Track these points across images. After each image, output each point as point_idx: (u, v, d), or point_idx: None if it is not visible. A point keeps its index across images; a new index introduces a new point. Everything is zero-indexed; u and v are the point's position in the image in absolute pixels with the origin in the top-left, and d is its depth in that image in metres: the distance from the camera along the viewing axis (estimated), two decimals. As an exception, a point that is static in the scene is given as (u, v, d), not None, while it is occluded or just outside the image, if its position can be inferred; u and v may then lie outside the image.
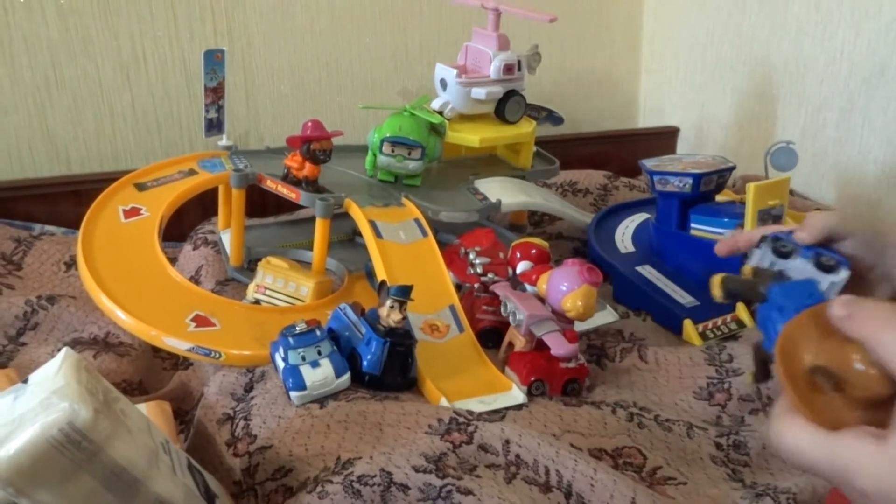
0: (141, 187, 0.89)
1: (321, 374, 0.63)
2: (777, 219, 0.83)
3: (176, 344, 0.70)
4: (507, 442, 0.57)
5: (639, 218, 1.04)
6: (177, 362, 0.83)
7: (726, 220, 0.85)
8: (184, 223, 1.05)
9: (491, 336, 0.77)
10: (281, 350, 0.65)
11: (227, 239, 0.97)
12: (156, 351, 0.84)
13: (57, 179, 1.14)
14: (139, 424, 0.48)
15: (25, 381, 0.47)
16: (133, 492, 0.44)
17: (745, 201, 0.83)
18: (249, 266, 0.93)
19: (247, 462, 0.58)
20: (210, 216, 1.08)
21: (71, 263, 0.99)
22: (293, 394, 0.63)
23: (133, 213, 0.84)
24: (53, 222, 1.09)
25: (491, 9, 0.98)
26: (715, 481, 0.57)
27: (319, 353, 0.64)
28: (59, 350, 0.78)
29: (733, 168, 0.91)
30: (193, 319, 0.72)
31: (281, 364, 0.65)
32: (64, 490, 0.42)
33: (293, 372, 0.63)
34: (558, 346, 0.67)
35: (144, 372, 0.80)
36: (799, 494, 0.54)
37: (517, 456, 0.57)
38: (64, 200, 1.12)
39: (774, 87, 1.27)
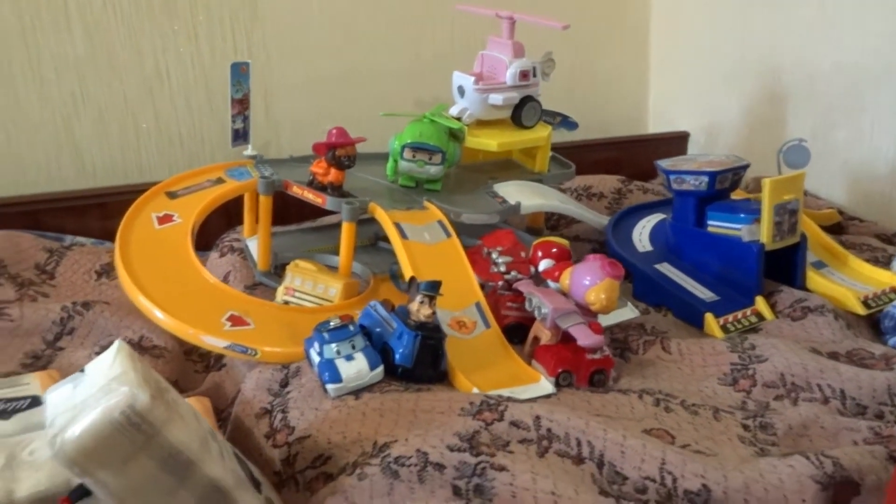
0: (172, 195, 0.91)
1: (356, 367, 0.65)
2: (793, 213, 0.84)
3: (214, 342, 0.72)
4: (538, 417, 0.59)
5: (655, 218, 1.05)
6: (208, 365, 0.86)
7: (743, 215, 0.87)
8: (208, 232, 1.07)
9: (516, 332, 0.79)
10: (316, 345, 0.67)
11: (252, 246, 0.99)
12: (187, 354, 0.87)
13: (84, 192, 1.17)
14: (189, 411, 0.50)
15: (82, 371, 0.49)
16: (188, 473, 0.46)
17: (759, 199, 0.85)
18: (276, 271, 0.96)
19: (286, 452, 0.60)
20: (234, 225, 1.10)
21: (101, 272, 1.02)
22: (329, 386, 0.65)
23: (166, 219, 0.87)
24: (81, 233, 1.12)
25: (506, 17, 1.00)
26: (744, 457, 0.58)
27: (353, 347, 0.66)
28: (95, 353, 0.82)
29: (747, 166, 0.93)
30: (229, 319, 0.75)
31: (316, 358, 0.67)
32: (125, 471, 0.44)
33: (329, 366, 0.65)
34: (585, 336, 0.69)
35: (179, 374, 0.82)
36: (841, 459, 0.55)
37: (548, 430, 0.58)
38: (91, 212, 1.15)
39: (783, 90, 1.29)
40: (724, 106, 1.42)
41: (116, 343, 0.51)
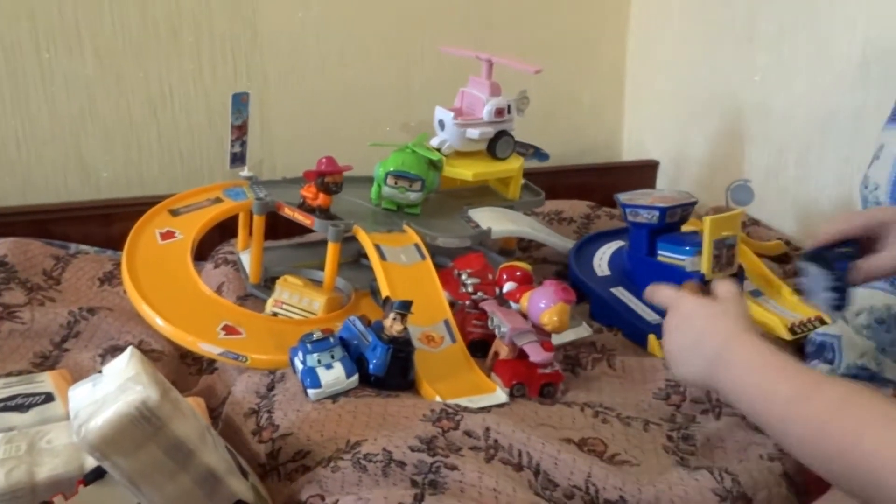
0: (175, 213, 1.00)
1: (334, 374, 0.74)
2: (731, 248, 0.94)
3: (209, 349, 0.81)
4: (488, 429, 0.68)
5: (615, 245, 1.15)
6: (201, 368, 0.94)
7: (688, 247, 0.97)
8: (203, 244, 1.16)
9: (480, 347, 0.88)
10: (300, 354, 0.76)
11: (245, 259, 1.08)
12: (182, 357, 0.95)
13: (89, 203, 1.25)
14: (189, 409, 0.59)
15: (100, 373, 0.58)
16: (188, 460, 0.55)
17: (705, 232, 0.95)
18: (266, 283, 1.05)
19: (270, 447, 0.69)
20: (227, 238, 1.19)
21: (104, 279, 1.10)
22: (310, 391, 0.74)
23: (168, 235, 0.96)
24: (85, 242, 1.20)
25: (485, 59, 1.10)
26: (664, 465, 0.68)
27: (332, 357, 0.75)
28: (99, 355, 0.91)
29: (695, 203, 1.03)
30: (223, 328, 0.84)
31: (299, 366, 0.76)
32: (136, 457, 0.53)
33: (310, 373, 0.74)
34: (536, 353, 0.78)
35: (175, 375, 0.90)
36: (740, 476, 0.64)
37: (495, 441, 0.68)
38: (94, 222, 1.23)
39: (742, 128, 1.40)
40: (692, 140, 1.53)
41: (129, 349, 0.60)
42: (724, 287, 0.67)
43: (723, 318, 0.62)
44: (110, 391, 0.53)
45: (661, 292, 0.71)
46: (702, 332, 0.62)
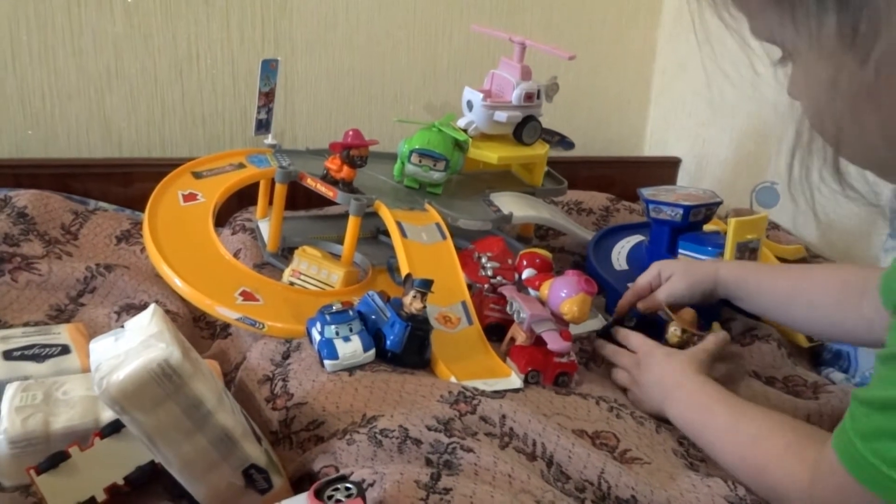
0: (197, 175, 1.00)
1: (351, 347, 0.74)
2: (753, 251, 0.93)
3: (226, 313, 0.80)
4: (504, 416, 0.68)
5: (634, 239, 1.14)
6: (214, 332, 0.94)
7: (710, 248, 0.96)
8: (219, 210, 1.16)
9: (495, 331, 0.88)
10: (318, 325, 0.76)
11: (264, 227, 1.08)
12: (196, 321, 0.95)
13: (110, 161, 1.25)
14: (208, 371, 0.59)
15: (122, 327, 0.58)
16: (205, 420, 0.55)
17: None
18: (283, 253, 1.04)
19: (284, 415, 0.69)
20: (244, 205, 1.18)
21: (121, 238, 1.10)
22: (327, 362, 0.73)
23: (190, 197, 0.95)
24: (104, 199, 1.20)
25: (518, 42, 1.09)
26: (675, 465, 0.68)
27: (351, 330, 0.75)
28: (114, 312, 0.91)
29: (720, 203, 1.02)
30: (241, 294, 0.83)
31: (317, 337, 0.76)
32: (155, 413, 0.53)
33: (328, 344, 0.74)
34: (554, 342, 0.78)
35: (188, 338, 0.89)
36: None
37: (511, 429, 0.67)
38: (114, 180, 1.23)
39: (769, 131, 1.38)
40: (716, 139, 1.51)
41: (152, 306, 0.59)
42: (636, 340, 0.83)
43: (674, 364, 0.76)
44: (133, 346, 0.53)
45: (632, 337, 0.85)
46: (660, 374, 0.76)
